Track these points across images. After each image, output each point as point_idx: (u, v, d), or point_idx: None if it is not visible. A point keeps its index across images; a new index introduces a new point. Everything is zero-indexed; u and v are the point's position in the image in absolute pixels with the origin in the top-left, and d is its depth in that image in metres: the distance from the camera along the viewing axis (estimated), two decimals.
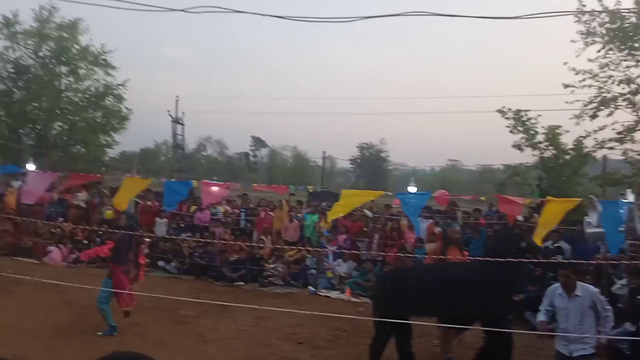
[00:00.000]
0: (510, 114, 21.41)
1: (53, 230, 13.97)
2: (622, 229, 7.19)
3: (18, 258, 13.01)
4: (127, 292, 7.60)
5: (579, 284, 5.37)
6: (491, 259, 6.32)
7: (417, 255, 11.63)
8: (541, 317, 5.59)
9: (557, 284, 5.53)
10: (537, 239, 7.89)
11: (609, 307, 5.33)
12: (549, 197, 8.14)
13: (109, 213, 14.23)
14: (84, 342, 7.17)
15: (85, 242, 13.53)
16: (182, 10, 4.62)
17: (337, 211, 8.71)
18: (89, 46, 29.49)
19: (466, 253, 8.32)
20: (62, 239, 13.43)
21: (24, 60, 29.43)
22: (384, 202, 14.93)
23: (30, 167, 21.83)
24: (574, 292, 5.31)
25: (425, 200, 8.90)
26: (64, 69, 29.85)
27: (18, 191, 15.45)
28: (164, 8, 5.04)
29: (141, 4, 4.68)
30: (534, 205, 12.85)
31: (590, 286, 5.44)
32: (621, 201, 7.22)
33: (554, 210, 7.43)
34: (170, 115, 31.23)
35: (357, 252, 12.15)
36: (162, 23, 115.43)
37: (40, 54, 29.30)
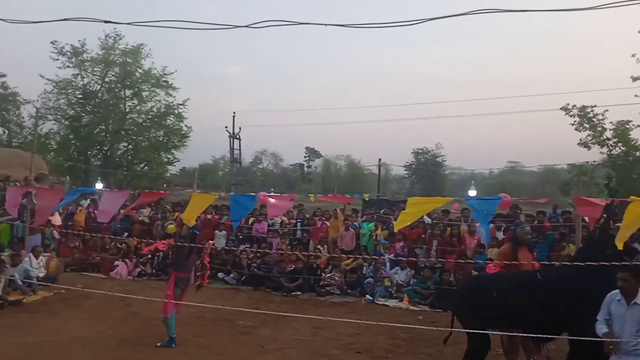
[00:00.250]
0: (575, 111, 20.56)
1: (119, 245, 14.57)
2: None
3: (86, 273, 13.64)
4: (170, 299, 7.63)
5: None
6: (580, 264, 5.88)
7: (479, 261, 11.30)
8: (603, 328, 5.04)
9: (616, 290, 5.01)
10: (619, 243, 7.41)
11: None
12: (633, 197, 7.57)
13: (171, 227, 14.60)
14: (149, 353, 7.37)
15: (149, 256, 14.01)
16: (246, 27, 4.71)
17: (404, 220, 8.46)
18: (151, 69, 30.92)
19: (535, 254, 7.89)
20: (128, 253, 13.96)
21: (91, 86, 31.20)
22: (443, 207, 14.60)
23: (99, 186, 23.01)
24: (633, 300, 4.81)
25: (496, 205, 8.57)
26: (128, 92, 31.47)
27: (87, 210, 16.31)
28: (228, 25, 5.15)
29: (203, 22, 4.81)
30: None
31: None
32: None
33: (637, 211, 6.92)
34: (227, 130, 32.13)
35: (414, 259, 11.91)
36: (219, 41, 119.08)
37: (106, 79, 31.02)
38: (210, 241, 12.71)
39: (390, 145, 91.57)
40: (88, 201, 17.05)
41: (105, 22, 4.73)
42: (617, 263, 5.67)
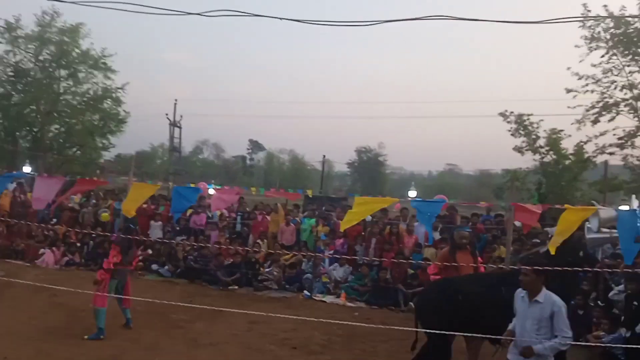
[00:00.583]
0: (512, 118, 21.43)
1: (46, 232, 13.83)
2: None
3: (10, 260, 12.85)
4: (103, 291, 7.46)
5: (546, 291, 4.71)
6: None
7: (416, 261, 11.55)
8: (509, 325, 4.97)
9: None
10: (552, 248, 7.73)
11: (569, 331, 4.57)
12: (567, 205, 7.93)
13: (105, 215, 14.10)
14: (75, 346, 7.04)
15: (78, 244, 13.39)
16: (199, 14, 4.53)
17: (351, 219, 8.47)
18: (90, 50, 29.50)
19: (480, 259, 7.89)
20: (55, 241, 13.27)
21: (24, 64, 29.43)
22: (395, 210, 14.81)
23: (27, 169, 21.73)
24: (535, 297, 4.69)
25: (439, 207, 8.75)
26: (63, 72, 29.87)
27: (12, 194, 15.36)
28: (181, 12, 4.94)
29: (154, 7, 4.58)
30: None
31: (558, 298, 4.68)
32: (638, 210, 7.05)
33: (571, 219, 7.26)
34: (168, 118, 31.25)
35: (354, 256, 12.02)
36: (163, 27, 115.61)
37: (41, 57, 29.31)
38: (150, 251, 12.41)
39: (334, 143, 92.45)
40: (14, 184, 16.06)
41: None
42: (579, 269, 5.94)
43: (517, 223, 11.42)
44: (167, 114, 31.25)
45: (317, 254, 11.98)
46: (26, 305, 8.77)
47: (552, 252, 7.39)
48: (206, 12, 4.79)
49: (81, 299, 8.14)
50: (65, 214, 14.71)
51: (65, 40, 28.62)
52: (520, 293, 4.87)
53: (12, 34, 28.07)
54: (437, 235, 12.04)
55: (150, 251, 12.91)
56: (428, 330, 5.82)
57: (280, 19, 4.90)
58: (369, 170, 59.76)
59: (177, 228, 14.09)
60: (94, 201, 15.55)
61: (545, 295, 4.67)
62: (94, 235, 13.20)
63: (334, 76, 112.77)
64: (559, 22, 4.84)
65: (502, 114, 21.58)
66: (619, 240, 7.36)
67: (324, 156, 35.47)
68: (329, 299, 11.10)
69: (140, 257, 8.83)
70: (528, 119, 21.17)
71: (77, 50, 29.34)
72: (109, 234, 10.91)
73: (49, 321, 8.05)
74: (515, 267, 6.99)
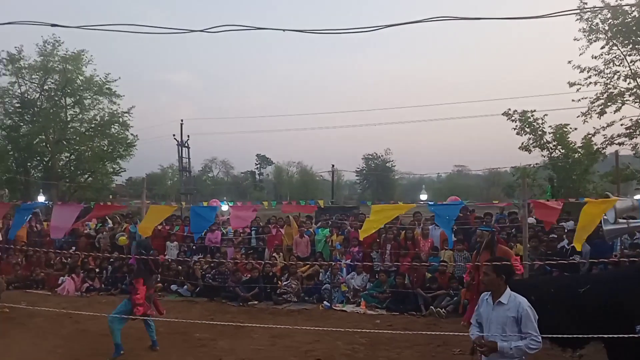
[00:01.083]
0: (516, 116, 21.40)
1: (64, 260, 13.95)
2: None
3: (31, 291, 12.99)
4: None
5: (511, 292, 4.40)
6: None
7: (433, 264, 11.53)
8: (473, 331, 4.63)
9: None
10: (577, 244, 7.66)
11: (538, 335, 4.18)
12: (587, 199, 7.85)
13: (122, 239, 14.20)
14: None
15: (97, 270, 13.49)
16: (202, 31, 4.55)
17: (369, 228, 8.49)
18: (93, 76, 29.84)
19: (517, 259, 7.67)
20: (74, 268, 13.39)
21: (30, 94, 29.80)
22: (408, 214, 14.74)
23: (41, 199, 21.95)
24: (498, 299, 4.38)
25: (458, 210, 8.71)
26: (69, 100, 30.20)
27: (28, 224, 15.52)
28: (184, 30, 4.97)
29: (157, 27, 4.63)
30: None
31: (524, 299, 4.34)
32: None
33: (593, 212, 7.19)
34: (175, 139, 31.44)
35: (369, 263, 12.01)
36: (163, 48, 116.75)
37: (46, 87, 29.66)
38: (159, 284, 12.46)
39: (341, 152, 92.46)
40: (29, 215, 16.23)
41: (53, 25, 4.49)
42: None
43: (531, 220, 11.40)
44: (174, 135, 31.46)
45: (333, 263, 11.98)
46: (50, 334, 8.85)
47: (578, 249, 7.32)
48: (209, 28, 4.77)
49: (104, 324, 8.17)
50: (82, 240, 14.84)
51: (69, 68, 28.97)
52: (484, 295, 4.59)
53: (15, 65, 28.47)
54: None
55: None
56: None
57: (283, 30, 4.89)
58: (378, 176, 59.72)
59: (193, 247, 14.18)
60: (109, 226, 15.66)
61: (510, 296, 4.35)
62: (112, 259, 13.32)
63: (336, 85, 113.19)
64: (557, 16, 4.87)
65: (505, 113, 21.57)
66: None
67: (333, 166, 35.49)
68: (349, 308, 11.09)
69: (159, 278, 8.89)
70: (532, 116, 21.13)
71: (81, 78, 29.69)
72: (127, 256, 11.02)
73: (74, 349, 8.10)
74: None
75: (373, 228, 8.54)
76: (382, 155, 63.98)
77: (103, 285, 13.08)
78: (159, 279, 8.22)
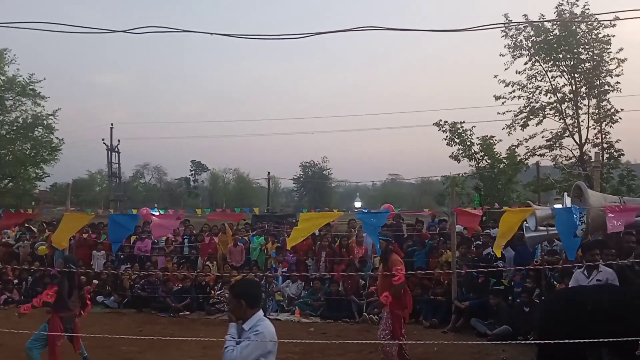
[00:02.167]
0: (446, 127, 22.20)
1: None
2: (578, 232, 7.29)
3: None
4: (61, 343, 6.98)
5: (258, 317, 3.84)
6: None
7: (364, 272, 11.70)
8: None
9: None
10: (497, 250, 8.03)
11: None
12: (506, 208, 8.30)
13: (42, 249, 13.43)
14: None
15: (16, 281, 12.69)
16: (124, 32, 4.39)
17: (297, 236, 8.46)
18: (16, 76, 28.19)
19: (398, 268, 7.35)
20: None
21: None
22: (343, 221, 14.91)
23: None
24: (242, 325, 3.84)
25: (384, 218, 8.85)
26: None
27: None
28: (106, 30, 4.76)
29: (79, 26, 4.42)
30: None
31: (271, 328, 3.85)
32: (574, 207, 7.30)
33: (511, 220, 7.57)
34: (104, 143, 30.29)
35: (305, 272, 12.02)
36: (92, 49, 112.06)
37: None
38: (95, 281, 11.85)
39: (278, 159, 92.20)
40: None
41: None
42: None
43: (459, 227, 11.84)
44: (103, 139, 30.32)
45: (268, 273, 11.89)
46: None
47: (498, 255, 7.65)
48: (132, 29, 4.62)
49: (22, 339, 7.67)
50: (0, 249, 13.91)
51: None
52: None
53: None
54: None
55: (96, 281, 12.38)
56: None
57: (211, 34, 4.78)
58: (315, 184, 60.03)
59: (122, 256, 13.64)
60: (29, 234, 14.80)
61: (255, 323, 3.76)
62: (32, 270, 12.56)
63: (273, 92, 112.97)
64: (481, 30, 5.11)
65: (436, 124, 22.34)
66: (560, 237, 7.60)
67: (269, 173, 35.37)
68: (283, 316, 11.05)
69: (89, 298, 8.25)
70: (461, 127, 22.02)
71: (2, 77, 28.01)
72: (49, 269, 10.39)
73: None
74: None
75: (301, 237, 8.54)
76: (319, 163, 64.46)
77: (22, 297, 12.28)
78: (88, 302, 7.65)
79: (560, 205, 10.33)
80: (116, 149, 30.73)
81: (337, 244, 12.65)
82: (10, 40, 61.06)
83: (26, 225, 15.23)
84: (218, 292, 11.78)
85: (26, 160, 28.97)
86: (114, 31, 4.32)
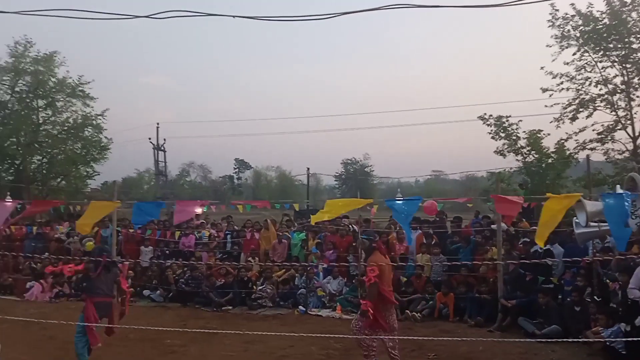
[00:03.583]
0: (491, 121, 21.63)
1: (33, 265, 13.59)
2: (630, 222, 6.74)
3: None
4: (94, 327, 6.92)
5: None
6: None
7: (407, 264, 11.53)
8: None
9: None
10: (540, 241, 7.58)
11: None
12: (549, 194, 7.74)
13: (89, 245, 13.86)
14: None
15: (67, 275, 13.14)
16: (147, 17, 4.44)
17: (320, 216, 8.59)
18: (66, 78, 29.25)
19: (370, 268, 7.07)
20: (43, 273, 13.02)
21: (0, 96, 29.04)
22: (384, 219, 14.74)
23: (7, 200, 21.34)
24: None
25: (416, 206, 8.64)
26: (41, 102, 29.51)
27: None
28: (128, 15, 4.84)
29: (105, 12, 4.50)
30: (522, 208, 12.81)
31: None
32: (626, 193, 6.65)
33: (555, 208, 6.98)
34: (151, 142, 31.07)
35: (345, 265, 11.94)
36: (141, 51, 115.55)
37: (17, 89, 28.95)
38: (126, 262, 12.09)
39: (320, 156, 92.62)
40: None
41: None
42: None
43: (504, 224, 11.47)
44: (150, 138, 31.09)
45: (309, 267, 11.87)
46: (16, 341, 8.54)
47: (541, 245, 7.25)
48: (155, 14, 4.66)
49: (71, 331, 7.92)
50: (52, 244, 14.47)
51: (41, 70, 28.37)
52: None
53: None
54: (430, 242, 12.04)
55: (131, 272, 12.51)
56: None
57: (234, 17, 4.82)
58: (357, 181, 59.84)
59: (167, 251, 13.95)
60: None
61: None
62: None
63: (315, 90, 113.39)
64: (523, 4, 4.90)
65: (481, 118, 21.80)
66: (609, 227, 7.07)
67: (308, 169, 35.54)
68: (324, 312, 11.01)
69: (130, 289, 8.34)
70: (507, 121, 21.40)
71: (53, 79, 29.09)
72: (94, 258, 10.71)
73: (39, 356, 7.88)
74: None
75: (326, 216, 8.67)
76: (360, 160, 64.23)
77: (72, 291, 12.74)
78: (128, 289, 7.71)
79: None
80: (162, 148, 31.49)
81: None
82: (60, 43, 63.53)
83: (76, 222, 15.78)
84: (260, 288, 11.85)
85: (77, 159, 30.05)
86: (137, 16, 4.38)
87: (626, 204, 6.44)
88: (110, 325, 7.22)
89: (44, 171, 30.44)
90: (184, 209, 9.51)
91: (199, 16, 4.45)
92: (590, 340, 7.48)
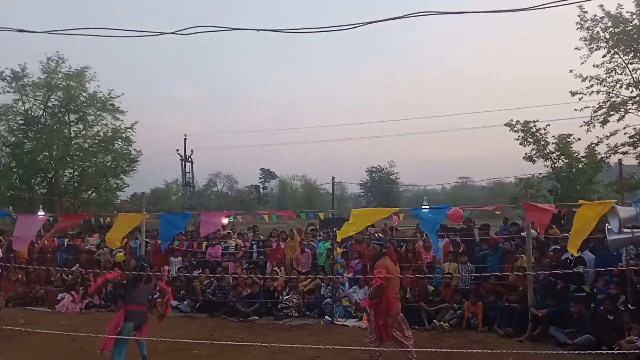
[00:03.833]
0: (518, 126, 21.30)
1: (64, 277, 13.88)
2: None
3: (30, 307, 12.89)
4: (112, 333, 7.02)
5: None
6: None
7: (434, 276, 11.37)
8: None
9: None
10: (572, 248, 7.45)
11: None
12: (581, 201, 7.62)
13: (119, 256, 14.12)
14: None
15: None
16: (173, 33, 4.55)
17: (347, 230, 8.46)
18: (97, 93, 30.07)
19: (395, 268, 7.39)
20: (74, 285, 13.29)
21: (33, 111, 29.98)
22: (411, 226, 14.57)
23: (40, 214, 21.94)
24: None
25: (443, 215, 8.55)
26: (72, 116, 30.41)
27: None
28: (155, 32, 4.97)
29: (133, 30, 4.62)
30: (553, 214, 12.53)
31: None
32: None
33: (587, 215, 6.87)
34: (179, 154, 31.54)
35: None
36: (167, 64, 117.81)
37: (49, 104, 29.89)
38: (166, 266, 12.24)
39: (345, 164, 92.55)
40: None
41: (20, 31, 4.51)
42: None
43: (534, 231, 11.22)
44: (177, 150, 31.59)
45: (335, 277, 11.82)
46: (46, 352, 8.72)
47: (574, 253, 7.06)
48: (181, 30, 4.78)
49: (101, 342, 8.07)
50: (83, 256, 14.77)
51: (72, 85, 29.21)
52: None
53: (19, 83, 28.71)
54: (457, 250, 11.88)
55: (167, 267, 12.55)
56: None
57: (257, 30, 4.96)
58: (382, 189, 59.58)
59: (194, 262, 14.09)
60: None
61: None
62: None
63: (339, 99, 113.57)
64: (546, 7, 4.83)
65: (507, 124, 21.48)
66: None
67: (333, 177, 35.58)
68: (350, 322, 10.92)
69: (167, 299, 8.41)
70: (534, 126, 21.04)
71: (84, 94, 29.92)
72: (126, 272, 10.88)
73: None
74: None
75: (352, 230, 8.51)
76: (385, 168, 64.00)
77: (103, 302, 12.95)
78: (166, 299, 7.82)
79: None
80: (190, 159, 31.93)
81: (404, 249, 12.39)
82: (91, 58, 65.19)
83: (106, 233, 16.09)
84: (286, 297, 11.85)
85: (107, 171, 30.75)
86: (163, 33, 4.47)
87: None
88: (137, 338, 7.27)
89: (76, 184, 31.23)
90: (210, 220, 9.53)
91: (224, 31, 4.52)
92: (624, 350, 7.24)
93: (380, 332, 6.91)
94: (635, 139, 19.89)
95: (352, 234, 9.02)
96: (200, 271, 13.53)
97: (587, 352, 7.45)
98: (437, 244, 10.12)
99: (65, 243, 15.78)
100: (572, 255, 10.34)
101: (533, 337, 9.02)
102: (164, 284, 7.85)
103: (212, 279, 12.69)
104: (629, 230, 8.17)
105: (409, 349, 7.04)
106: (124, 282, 7.30)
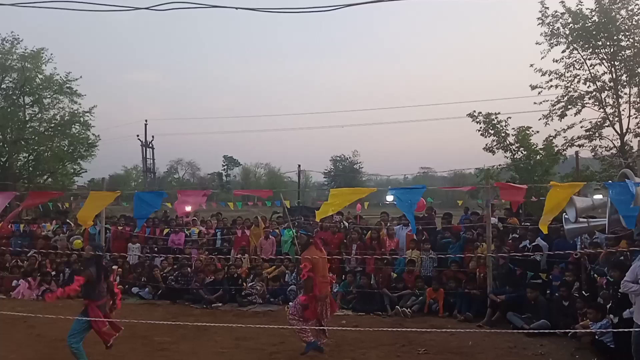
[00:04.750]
0: (480, 118, 21.73)
1: (20, 263, 13.42)
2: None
3: None
4: (106, 327, 7.00)
5: None
6: None
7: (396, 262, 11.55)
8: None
9: None
10: (543, 226, 7.84)
11: None
12: (553, 182, 8.04)
13: (77, 242, 13.74)
14: None
15: (54, 273, 13.01)
16: (147, 9, 4.39)
17: (326, 210, 8.49)
18: (53, 75, 28.98)
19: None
20: (31, 272, 12.86)
21: None
22: (375, 215, 14.66)
23: None
24: None
25: (420, 194, 8.64)
26: (27, 99, 29.23)
27: None
28: (128, 7, 4.80)
29: (105, 5, 4.43)
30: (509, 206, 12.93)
31: None
32: (629, 182, 6.92)
33: (559, 196, 7.35)
34: (139, 139, 30.86)
35: (337, 264, 11.93)
36: (128, 47, 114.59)
37: (3, 85, 28.67)
38: (115, 266, 11.95)
39: (309, 153, 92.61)
40: None
41: None
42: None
43: (494, 220, 11.55)
44: (138, 135, 30.91)
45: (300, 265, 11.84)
46: (3, 339, 8.45)
47: (545, 231, 7.38)
48: (156, 5, 4.61)
49: (60, 329, 7.87)
50: (40, 242, 14.30)
51: (28, 67, 28.08)
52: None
53: None
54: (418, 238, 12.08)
55: (115, 266, 12.29)
56: None
57: (236, 8, 4.85)
58: (346, 178, 59.88)
59: (155, 248, 13.85)
60: (66, 228, 15.18)
61: None
62: (70, 262, 12.87)
63: (305, 87, 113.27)
64: None
65: (470, 115, 21.89)
66: (617, 210, 7.16)
67: (299, 166, 35.53)
68: None
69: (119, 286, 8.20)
70: (496, 118, 21.53)
71: (40, 76, 28.82)
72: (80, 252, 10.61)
73: (28, 353, 7.77)
74: None
75: (331, 210, 8.56)
76: (349, 157, 64.37)
77: (59, 288, 12.58)
78: (117, 288, 7.64)
79: (600, 196, 9.94)
80: (150, 145, 31.34)
81: (368, 237, 12.52)
82: (47, 39, 62.84)
83: (63, 219, 15.64)
84: (250, 284, 11.81)
85: (64, 156, 29.76)
86: (137, 8, 4.31)
87: (631, 189, 6.69)
88: (113, 320, 7.26)
89: (30, 168, 30.14)
90: (187, 199, 9.31)
91: (201, 8, 4.40)
92: (578, 333, 7.55)
93: (307, 312, 7.26)
94: (590, 133, 20.63)
95: (331, 213, 9.08)
96: (162, 259, 13.31)
97: (542, 335, 7.72)
98: (414, 222, 10.01)
99: (21, 229, 15.25)
100: (529, 243, 10.74)
101: (492, 322, 9.28)
102: (115, 285, 7.69)
103: (175, 265, 12.52)
104: (585, 220, 8.50)
105: (324, 328, 7.60)
106: (89, 282, 7.09)
